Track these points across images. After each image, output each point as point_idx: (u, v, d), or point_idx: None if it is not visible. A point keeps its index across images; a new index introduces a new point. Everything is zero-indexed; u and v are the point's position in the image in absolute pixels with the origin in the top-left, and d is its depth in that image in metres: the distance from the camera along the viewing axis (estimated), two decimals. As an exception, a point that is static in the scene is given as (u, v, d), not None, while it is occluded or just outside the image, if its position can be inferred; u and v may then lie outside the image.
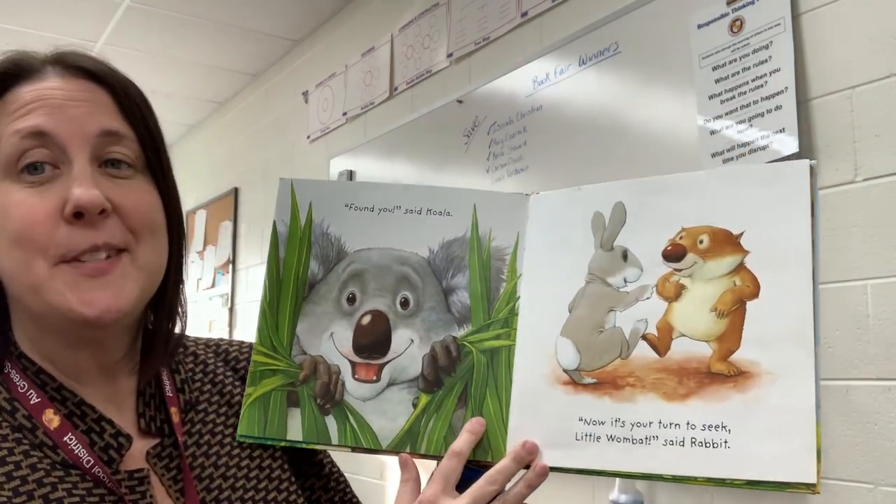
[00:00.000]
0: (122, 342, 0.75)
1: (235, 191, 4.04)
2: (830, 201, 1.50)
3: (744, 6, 1.64)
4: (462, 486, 0.78)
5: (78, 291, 0.67)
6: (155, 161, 0.74)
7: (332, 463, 0.91)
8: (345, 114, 3.13)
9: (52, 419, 0.68)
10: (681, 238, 0.75)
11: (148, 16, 3.26)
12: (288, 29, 3.44)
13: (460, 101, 2.46)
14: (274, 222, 0.85)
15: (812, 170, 0.71)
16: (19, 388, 0.69)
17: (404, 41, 2.83)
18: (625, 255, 0.77)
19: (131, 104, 0.73)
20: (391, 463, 2.66)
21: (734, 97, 1.64)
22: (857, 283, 1.45)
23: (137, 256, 0.70)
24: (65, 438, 0.68)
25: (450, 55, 2.58)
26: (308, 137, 3.38)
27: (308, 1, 3.21)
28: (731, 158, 1.62)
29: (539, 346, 0.78)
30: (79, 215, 0.66)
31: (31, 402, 0.68)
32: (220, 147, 4.30)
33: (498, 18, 2.39)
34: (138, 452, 0.72)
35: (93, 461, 0.68)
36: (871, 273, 1.43)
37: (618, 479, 1.70)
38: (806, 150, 1.52)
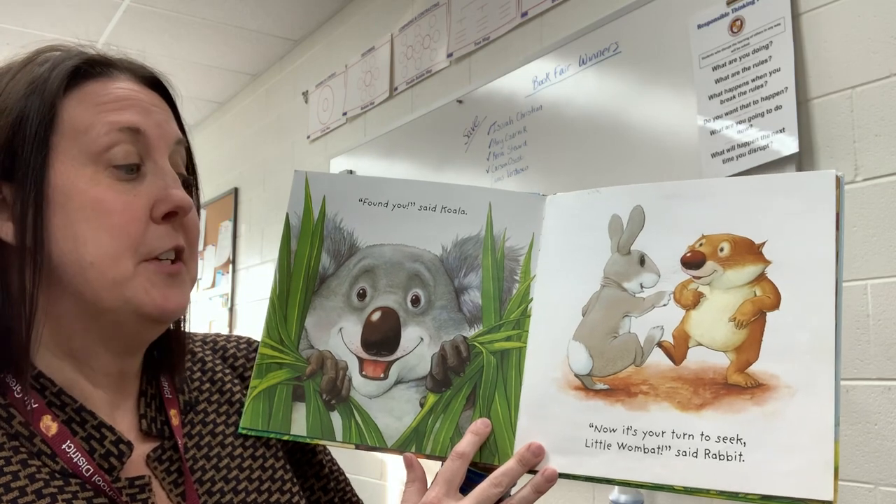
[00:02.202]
0: (147, 346, 0.76)
1: (235, 191, 4.04)
2: (830, 201, 1.50)
3: (744, 6, 1.64)
4: (468, 489, 0.78)
5: (157, 290, 0.69)
6: (192, 174, 0.78)
7: (333, 462, 0.90)
8: (345, 114, 3.13)
9: (49, 426, 0.66)
10: (701, 245, 0.73)
11: (148, 16, 3.26)
12: (288, 29, 3.44)
13: (460, 101, 2.46)
14: (287, 214, 0.84)
15: (838, 181, 0.69)
16: (16, 394, 0.66)
17: (404, 41, 2.83)
18: (642, 260, 0.75)
19: (181, 118, 0.77)
20: (392, 463, 2.66)
21: (734, 97, 1.64)
22: (857, 283, 1.45)
23: (189, 267, 0.73)
24: (63, 446, 0.66)
25: (450, 55, 2.58)
26: (308, 137, 3.38)
27: (308, 1, 3.21)
28: (731, 158, 1.62)
29: (551, 349, 0.76)
30: (169, 216, 0.70)
31: (28, 408, 0.66)
32: (220, 147, 4.30)
33: (498, 18, 2.38)
34: (138, 456, 0.71)
35: (92, 469, 0.66)
36: (871, 273, 1.43)
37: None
38: (806, 150, 1.52)
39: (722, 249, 0.72)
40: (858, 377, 1.44)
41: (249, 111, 4.02)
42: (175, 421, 0.75)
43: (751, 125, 1.60)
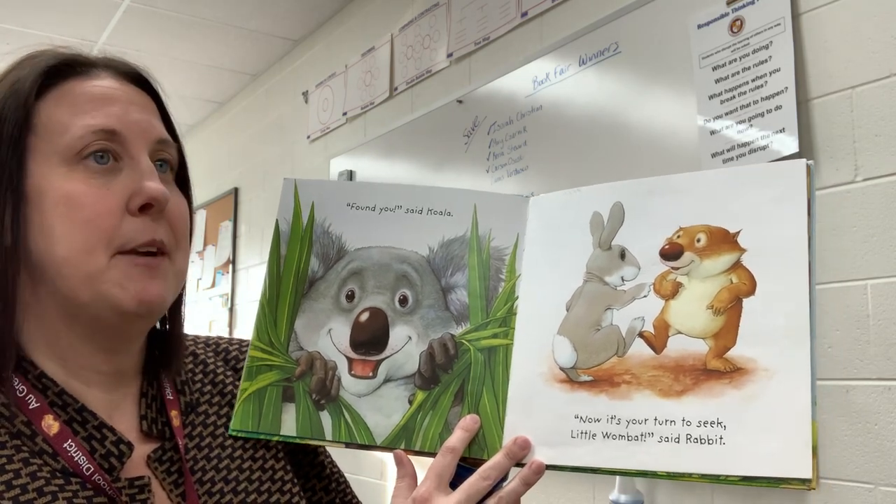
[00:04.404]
0: (139, 344, 0.76)
1: (235, 191, 4.03)
2: (830, 201, 1.50)
3: (744, 6, 1.64)
4: (457, 483, 0.79)
5: (134, 282, 0.69)
6: (183, 172, 0.78)
7: (333, 464, 0.90)
8: (345, 114, 3.13)
9: (51, 425, 0.67)
10: (678, 237, 0.75)
11: (148, 16, 3.26)
12: (288, 29, 3.44)
13: (460, 101, 2.46)
14: (277, 221, 0.85)
15: (809, 169, 0.71)
16: (18, 393, 0.67)
17: (404, 41, 2.83)
18: (622, 254, 0.77)
19: (168, 114, 0.77)
20: (391, 463, 2.66)
21: (734, 97, 1.64)
22: (857, 283, 1.45)
23: (175, 260, 0.73)
24: (64, 445, 0.67)
25: (450, 55, 2.58)
26: (308, 137, 3.38)
27: (308, 1, 3.21)
28: (731, 158, 1.62)
29: (536, 344, 0.78)
30: (145, 208, 0.69)
31: (30, 408, 0.67)
32: (220, 147, 4.30)
33: (498, 18, 2.39)
34: (139, 457, 0.72)
35: (93, 468, 0.66)
36: (871, 273, 1.43)
37: (618, 479, 1.70)
38: (806, 150, 1.52)
39: (699, 240, 0.74)
40: (858, 377, 1.44)
41: (249, 111, 4.02)
42: (176, 422, 0.75)
43: (751, 125, 1.60)
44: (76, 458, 0.66)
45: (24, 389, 0.67)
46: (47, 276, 0.68)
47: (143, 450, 0.72)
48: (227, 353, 0.87)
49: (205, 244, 4.26)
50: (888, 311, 1.40)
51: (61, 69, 0.71)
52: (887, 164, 1.42)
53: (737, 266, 0.72)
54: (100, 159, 0.69)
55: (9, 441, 0.65)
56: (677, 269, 0.74)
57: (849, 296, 1.46)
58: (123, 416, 0.73)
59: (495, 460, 0.74)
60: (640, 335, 0.74)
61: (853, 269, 1.45)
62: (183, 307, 0.80)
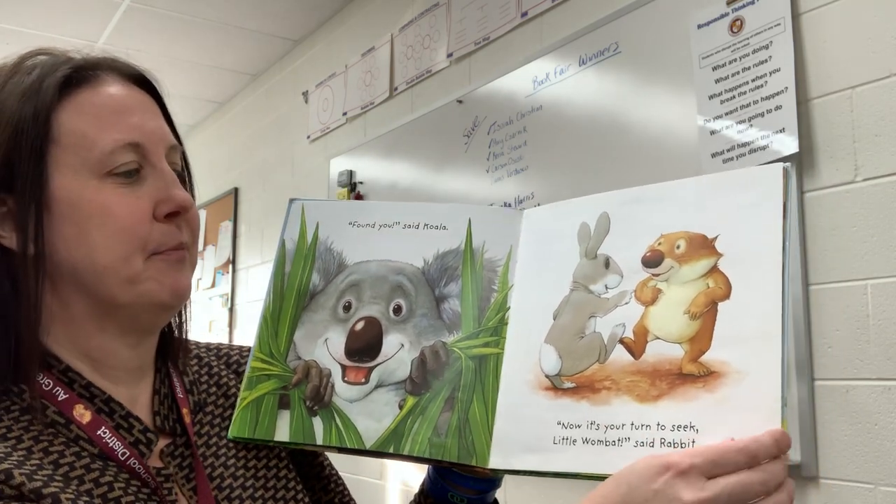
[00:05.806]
0: (157, 335, 0.79)
1: (235, 191, 4.04)
2: (830, 201, 1.50)
3: (744, 6, 1.64)
4: (458, 491, 0.82)
5: (168, 277, 0.73)
6: (187, 172, 0.80)
7: (332, 466, 0.92)
8: (345, 114, 3.13)
9: (83, 414, 0.69)
10: (659, 244, 0.76)
11: (148, 16, 3.26)
12: (288, 29, 3.44)
13: (460, 101, 2.46)
14: (283, 240, 0.89)
15: (785, 172, 0.72)
16: (44, 387, 0.69)
17: (404, 41, 2.83)
18: (607, 263, 0.78)
19: (170, 114, 0.79)
20: (390, 463, 2.66)
21: (734, 97, 1.64)
22: (857, 283, 1.45)
23: (191, 253, 0.77)
24: (98, 432, 0.69)
25: (450, 55, 2.58)
26: (308, 137, 3.39)
27: (308, 1, 3.21)
28: (732, 158, 1.62)
29: (525, 353, 0.79)
30: (171, 215, 0.73)
31: (59, 399, 0.69)
32: (220, 147, 4.30)
33: (498, 18, 2.39)
34: (154, 451, 0.74)
35: (128, 453, 0.70)
36: (871, 273, 1.43)
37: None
38: (806, 150, 1.53)
39: (678, 247, 0.75)
40: (858, 377, 1.44)
41: (249, 111, 4.02)
42: (187, 419, 0.78)
43: (751, 125, 1.60)
44: (111, 444, 0.69)
45: (50, 383, 0.70)
46: (83, 282, 0.71)
47: (157, 444, 0.74)
48: (228, 357, 0.90)
49: (205, 244, 4.26)
50: (888, 311, 1.41)
51: (71, 81, 0.72)
52: (887, 164, 1.42)
53: (714, 271, 0.73)
54: (128, 175, 0.71)
55: (44, 430, 0.68)
56: (658, 275, 0.75)
57: (849, 296, 1.46)
58: (142, 411, 0.76)
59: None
60: (621, 341, 0.75)
61: (853, 269, 1.45)
62: (189, 304, 0.82)
